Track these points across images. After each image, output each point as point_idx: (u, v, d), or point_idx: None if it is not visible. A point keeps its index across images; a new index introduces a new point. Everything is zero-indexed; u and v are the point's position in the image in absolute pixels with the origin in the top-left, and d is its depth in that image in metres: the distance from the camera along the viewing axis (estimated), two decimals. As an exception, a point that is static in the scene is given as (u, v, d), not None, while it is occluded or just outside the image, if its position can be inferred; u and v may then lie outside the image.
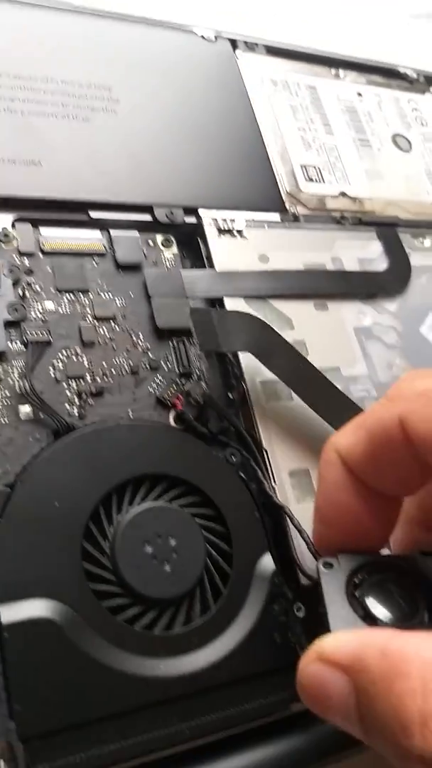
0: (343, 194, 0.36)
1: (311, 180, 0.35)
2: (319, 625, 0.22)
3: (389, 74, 0.43)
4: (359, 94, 0.41)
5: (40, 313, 0.26)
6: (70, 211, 0.29)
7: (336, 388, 0.27)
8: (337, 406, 0.27)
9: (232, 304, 0.29)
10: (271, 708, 0.23)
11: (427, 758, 0.14)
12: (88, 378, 0.26)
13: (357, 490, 0.20)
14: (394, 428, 0.19)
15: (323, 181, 0.35)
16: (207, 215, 0.31)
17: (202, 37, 0.38)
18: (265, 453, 0.27)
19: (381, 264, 0.33)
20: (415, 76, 0.44)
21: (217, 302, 0.29)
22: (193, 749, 0.23)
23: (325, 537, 0.21)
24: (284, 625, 0.24)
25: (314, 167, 0.36)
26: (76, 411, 0.25)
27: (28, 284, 0.26)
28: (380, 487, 0.20)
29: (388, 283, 0.33)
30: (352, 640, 0.17)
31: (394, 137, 0.40)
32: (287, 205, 0.34)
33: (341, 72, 0.42)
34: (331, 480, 0.21)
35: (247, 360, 0.28)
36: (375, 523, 0.20)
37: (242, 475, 0.26)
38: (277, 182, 0.34)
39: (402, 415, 0.19)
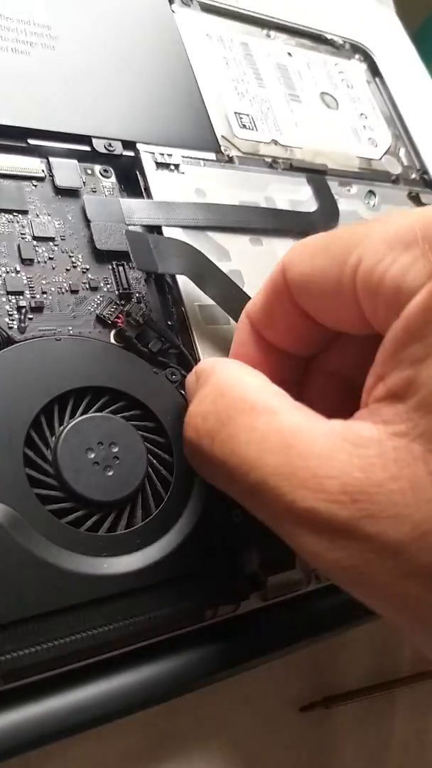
0: (275, 142, 0.37)
1: (244, 127, 0.36)
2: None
3: (317, 39, 0.45)
4: (289, 54, 0.42)
5: (-23, 230, 0.26)
6: (8, 138, 0.29)
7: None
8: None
9: (170, 233, 0.29)
10: (209, 603, 0.24)
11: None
12: (28, 294, 0.26)
13: (258, 346, 0.22)
14: (279, 279, 0.21)
15: (256, 129, 0.37)
16: (145, 149, 0.31)
17: (138, -13, 0.38)
18: (204, 372, 0.28)
19: (311, 206, 0.35)
20: (341, 42, 0.46)
21: (155, 230, 0.29)
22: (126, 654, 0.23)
23: None
24: (223, 528, 0.25)
25: (247, 115, 0.37)
26: (15, 325, 0.25)
27: (-35, 203, 0.26)
28: (277, 343, 0.22)
29: (318, 222, 0.34)
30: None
31: (322, 95, 0.42)
32: (222, 148, 0.35)
33: (272, 33, 0.43)
34: (239, 338, 0.23)
35: (184, 285, 0.29)
36: (276, 379, 0.21)
37: (182, 392, 0.27)
38: (212, 125, 0.35)
39: (284, 265, 0.21)
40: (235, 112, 0.37)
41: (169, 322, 0.29)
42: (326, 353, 0.24)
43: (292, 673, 0.28)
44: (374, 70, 0.47)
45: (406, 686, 0.30)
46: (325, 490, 0.16)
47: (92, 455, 0.24)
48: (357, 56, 0.47)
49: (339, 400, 0.23)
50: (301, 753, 0.27)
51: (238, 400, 0.19)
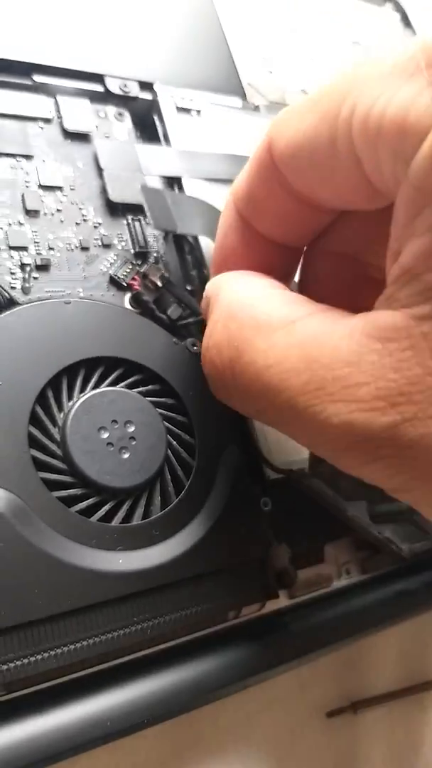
0: (303, 91, 0.34)
1: (271, 73, 0.33)
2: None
3: (347, -17, 0.41)
4: (318, -3, 0.38)
5: (-24, 175, 0.23)
6: (11, 74, 0.25)
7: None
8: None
9: (191, 184, 0.26)
10: (236, 603, 0.22)
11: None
12: (33, 250, 0.22)
13: (246, 236, 0.19)
14: (265, 157, 0.18)
15: (284, 76, 0.33)
16: (164, 91, 0.28)
17: None
18: (229, 342, 0.25)
19: (344, 163, 0.32)
20: (372, -13, 0.42)
21: (175, 182, 0.26)
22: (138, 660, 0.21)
23: None
24: (250, 518, 0.22)
25: (275, 60, 0.33)
26: (19, 285, 0.22)
27: (-39, 143, 0.23)
28: (266, 232, 0.19)
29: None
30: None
31: (354, 43, 0.38)
32: (247, 95, 0.31)
33: (299, -26, 0.39)
34: (224, 227, 0.20)
35: (206, 245, 0.26)
36: (269, 274, 0.19)
37: (204, 365, 0.24)
38: (236, 68, 0.31)
39: (269, 139, 0.18)
40: (262, 57, 0.33)
41: (189, 287, 0.26)
42: (326, 234, 0.20)
43: (318, 676, 0.25)
44: (406, 22, 0.43)
45: (438, 689, 0.28)
46: (359, 399, 0.14)
47: (105, 435, 0.21)
48: (389, 5, 0.43)
49: (349, 285, 0.20)
50: (327, 761, 0.25)
51: (250, 319, 0.17)
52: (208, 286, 0.20)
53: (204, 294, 0.20)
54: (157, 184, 0.26)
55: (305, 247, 0.21)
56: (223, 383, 0.18)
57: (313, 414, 0.15)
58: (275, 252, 0.20)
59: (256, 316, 0.17)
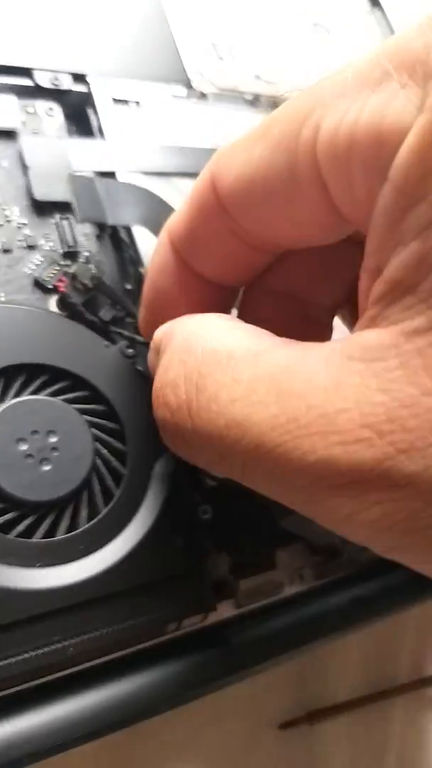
0: (258, 77, 0.32)
1: (221, 59, 0.32)
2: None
3: (309, -39, 0.40)
4: (276, -24, 0.37)
5: None
6: None
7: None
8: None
9: (127, 179, 0.25)
10: (170, 617, 0.21)
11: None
12: None
13: (180, 273, 0.18)
14: (207, 194, 0.17)
15: (235, 61, 0.32)
16: (98, 82, 0.27)
17: None
18: (165, 344, 0.24)
19: (298, 150, 0.30)
20: (336, -36, 0.41)
21: (110, 177, 0.25)
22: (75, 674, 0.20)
23: (150, 322, 0.20)
24: (187, 527, 0.22)
25: (226, 46, 0.32)
26: None
27: None
28: (205, 272, 0.18)
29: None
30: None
31: (314, 25, 0.37)
32: (194, 84, 0.30)
33: None
34: (158, 263, 0.19)
35: (144, 242, 0.25)
36: (203, 311, 0.18)
37: (140, 369, 0.23)
38: (179, 54, 0.30)
39: (212, 175, 0.16)
40: (211, 43, 0.32)
41: (128, 286, 0.25)
42: (266, 272, 0.19)
43: (270, 685, 0.24)
44: (374, 1, 0.42)
45: (403, 696, 0.26)
46: (340, 429, 0.12)
47: (24, 447, 0.20)
48: (355, -19, 0.41)
49: (288, 324, 0.19)
50: (281, 777, 0.24)
51: (211, 352, 0.15)
52: (158, 332, 0.18)
53: (152, 342, 0.19)
54: (89, 179, 0.25)
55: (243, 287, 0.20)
56: (179, 427, 0.16)
57: (285, 453, 0.13)
58: (213, 292, 0.19)
59: (217, 349, 0.15)
